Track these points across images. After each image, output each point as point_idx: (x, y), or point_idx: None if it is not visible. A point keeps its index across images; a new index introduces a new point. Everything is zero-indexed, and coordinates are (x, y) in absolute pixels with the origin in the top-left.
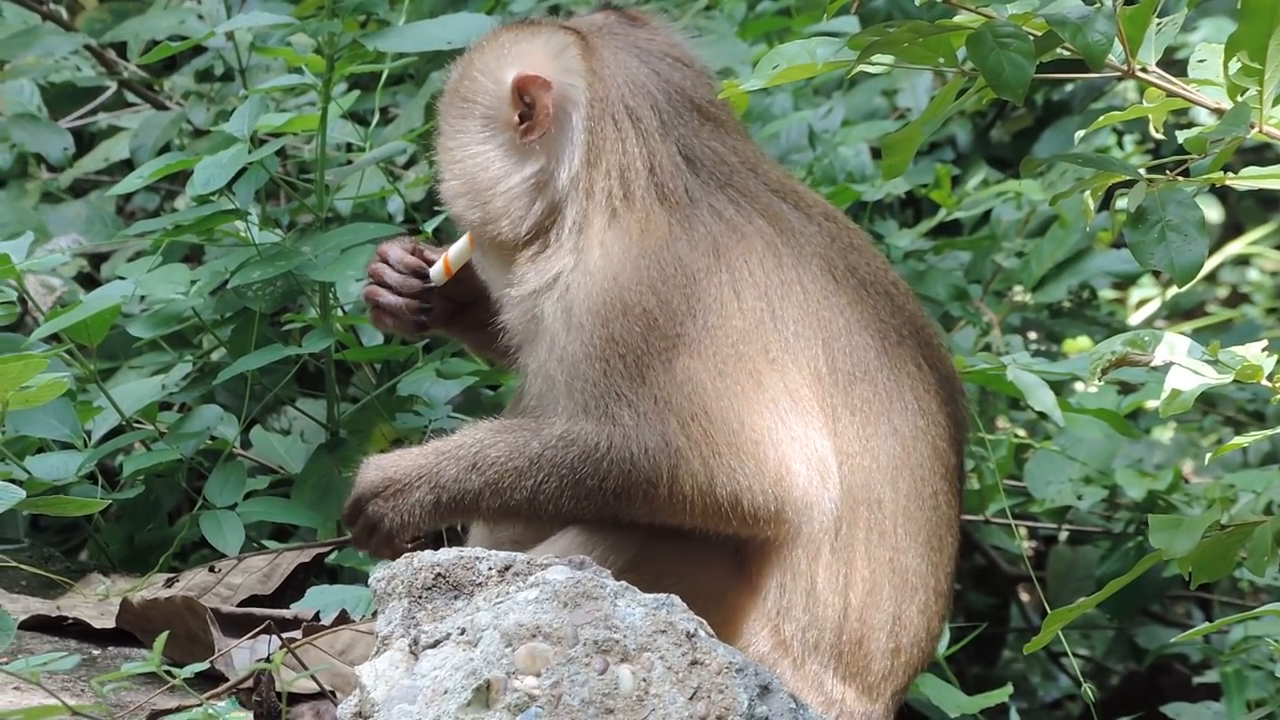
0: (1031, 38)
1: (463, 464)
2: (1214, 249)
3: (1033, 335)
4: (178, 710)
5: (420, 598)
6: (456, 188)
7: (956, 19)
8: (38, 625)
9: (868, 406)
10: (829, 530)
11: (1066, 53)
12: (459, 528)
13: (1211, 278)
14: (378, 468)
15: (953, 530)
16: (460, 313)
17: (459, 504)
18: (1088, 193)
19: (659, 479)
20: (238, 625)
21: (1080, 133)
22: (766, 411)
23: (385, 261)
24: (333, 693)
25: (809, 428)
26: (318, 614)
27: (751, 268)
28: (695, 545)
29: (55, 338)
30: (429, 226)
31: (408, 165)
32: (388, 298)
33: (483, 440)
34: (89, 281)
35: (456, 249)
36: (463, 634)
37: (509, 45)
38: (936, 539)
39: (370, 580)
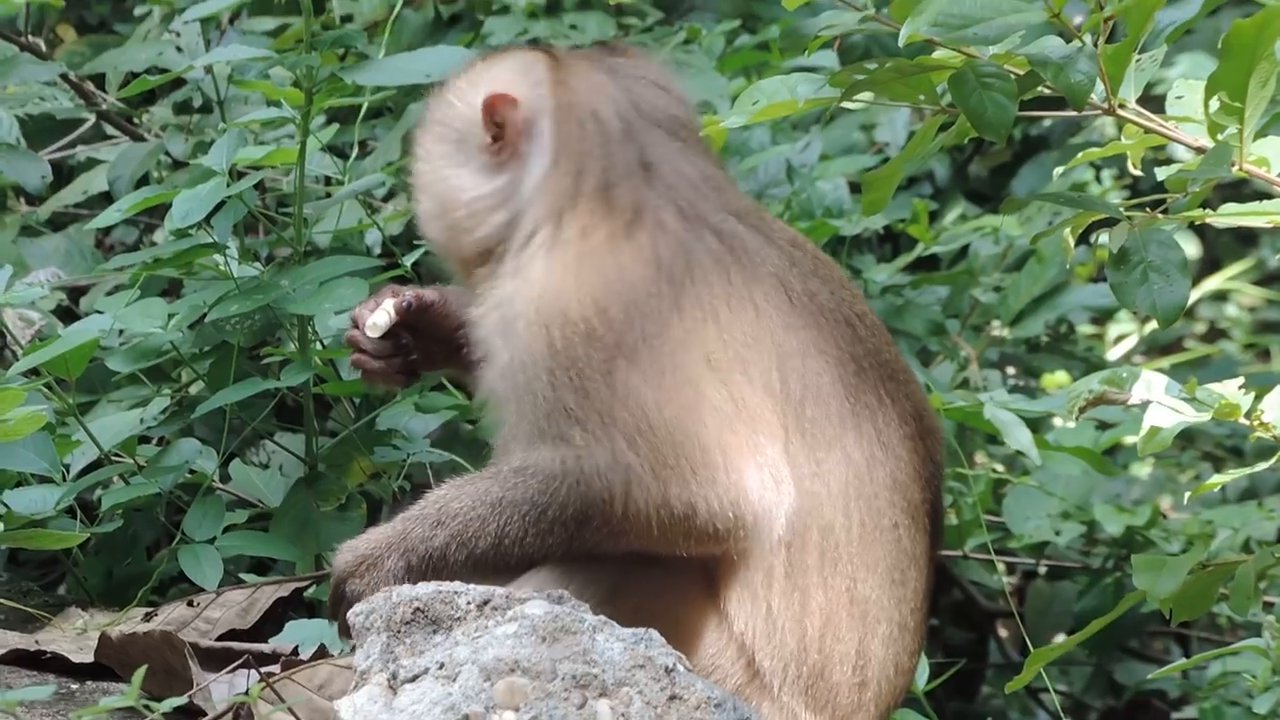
0: (1013, 77)
1: (427, 522)
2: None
3: (1011, 370)
4: None
5: (399, 632)
6: (430, 209)
7: (937, 55)
8: (16, 660)
9: (818, 430)
10: (781, 548)
11: (1047, 90)
12: None
13: (1190, 313)
14: (349, 549)
15: (918, 565)
16: (460, 349)
17: (429, 564)
18: (1067, 230)
19: (613, 498)
20: (216, 660)
21: (1059, 169)
22: (710, 420)
23: (358, 326)
24: None
25: (757, 433)
26: (296, 648)
27: (694, 280)
28: (670, 575)
29: (34, 371)
30: (408, 260)
31: (386, 198)
32: (370, 363)
33: (445, 495)
34: (68, 315)
35: (387, 303)
36: (441, 668)
37: (480, 70)
38: (899, 572)
39: (349, 615)
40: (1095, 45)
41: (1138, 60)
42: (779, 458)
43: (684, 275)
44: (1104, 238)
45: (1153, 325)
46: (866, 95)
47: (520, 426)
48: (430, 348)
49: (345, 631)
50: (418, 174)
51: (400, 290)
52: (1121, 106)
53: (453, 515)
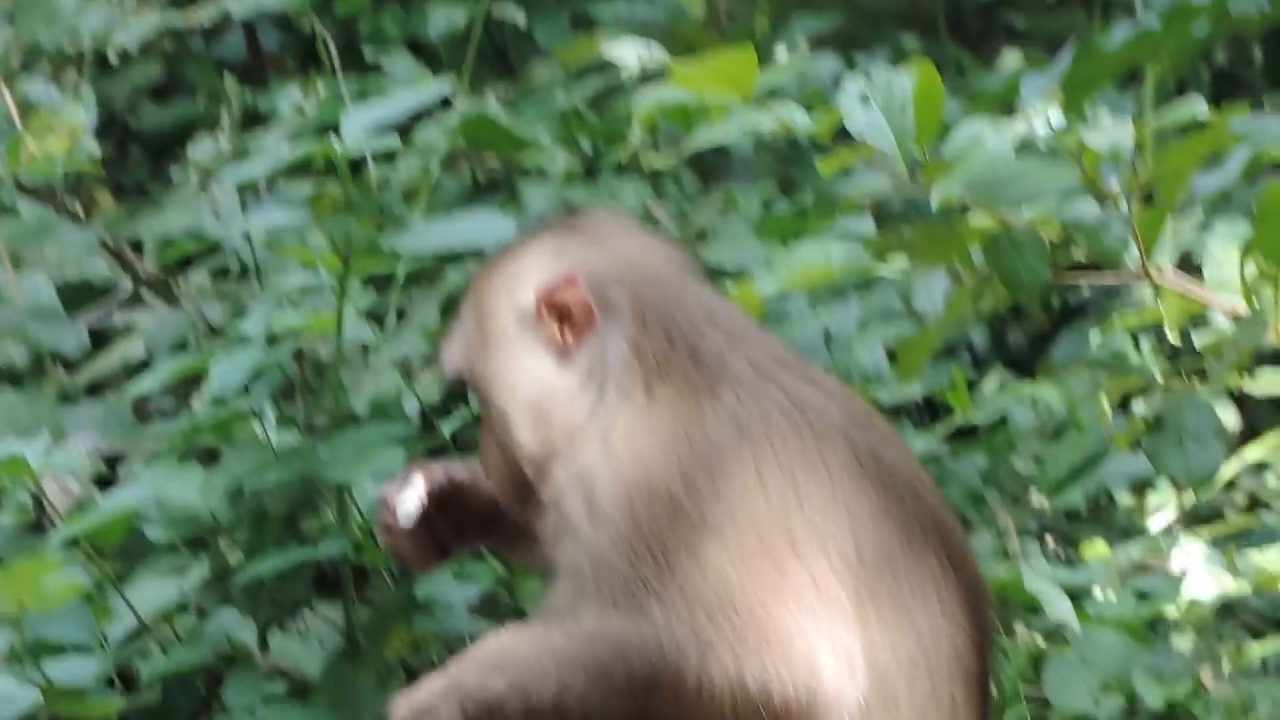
0: (1048, 240)
1: (484, 667)
2: (1230, 454)
3: (1050, 540)
4: None
5: None
6: (524, 423)
7: (972, 217)
8: None
9: (892, 600)
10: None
11: (1082, 256)
12: None
13: (1230, 484)
14: (406, 700)
15: None
16: (495, 524)
17: (484, 710)
18: (1103, 397)
19: (688, 673)
20: None
21: (1097, 337)
22: (792, 602)
23: (389, 508)
24: None
25: (834, 620)
26: None
27: (774, 443)
28: None
29: (73, 540)
30: (447, 428)
31: (424, 365)
32: (401, 545)
33: (504, 642)
34: (105, 482)
35: (417, 483)
36: None
37: (514, 267)
38: None
39: None
40: (1129, 210)
41: (1173, 226)
42: (855, 643)
43: (762, 437)
44: (1141, 405)
45: (1192, 495)
46: (902, 260)
47: (592, 593)
48: (464, 524)
49: None
50: (495, 397)
51: (431, 469)
52: (1158, 271)
53: (513, 662)
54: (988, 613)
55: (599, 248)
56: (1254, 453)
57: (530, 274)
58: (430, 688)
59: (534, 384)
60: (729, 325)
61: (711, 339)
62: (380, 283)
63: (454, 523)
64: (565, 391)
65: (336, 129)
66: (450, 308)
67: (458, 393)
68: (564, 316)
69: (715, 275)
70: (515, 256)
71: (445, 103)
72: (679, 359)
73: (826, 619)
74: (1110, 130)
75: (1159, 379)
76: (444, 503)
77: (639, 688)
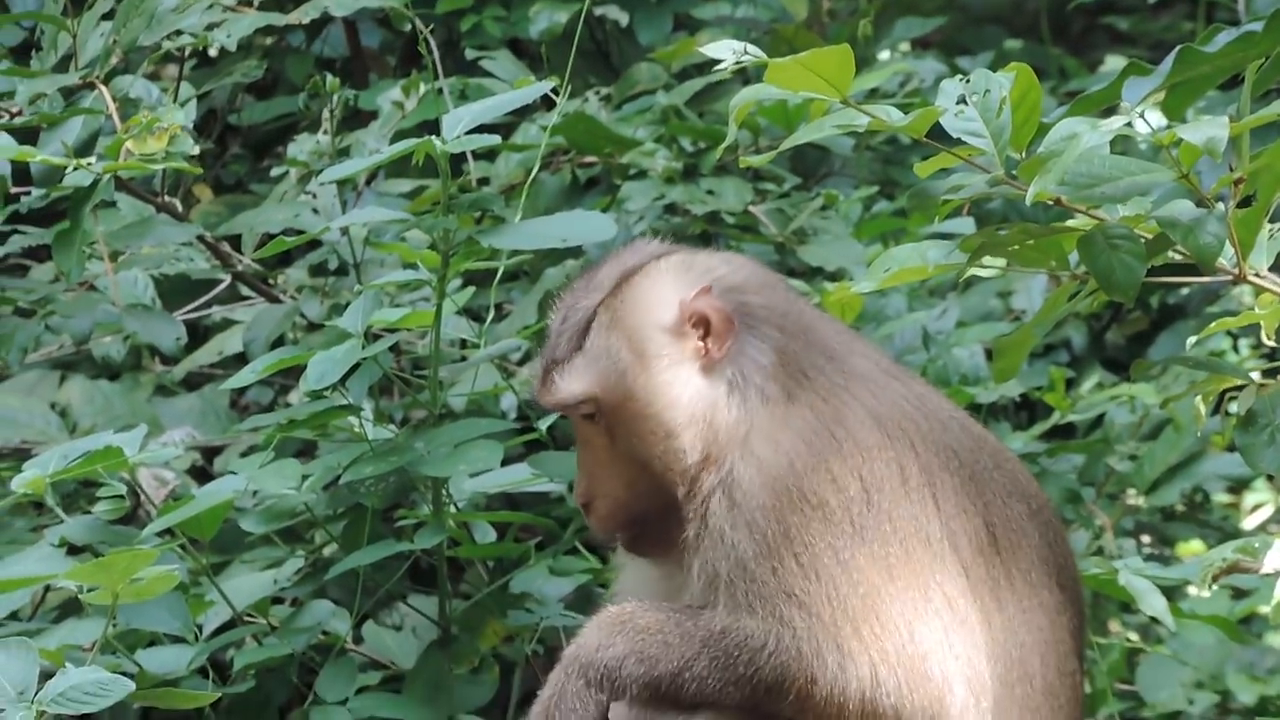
0: (1143, 240)
1: (605, 629)
2: None
3: (1146, 539)
4: None
5: None
6: (690, 437)
7: (1069, 221)
8: None
9: (1025, 577)
10: None
11: (1179, 256)
12: None
13: None
14: (538, 703)
15: (1081, 714)
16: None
17: (605, 677)
18: (1199, 397)
19: (822, 680)
20: None
21: (1193, 338)
22: (934, 622)
23: None
24: None
25: (967, 643)
26: None
27: (913, 441)
28: None
29: (168, 531)
30: (543, 425)
31: (522, 362)
32: None
33: (628, 609)
34: (201, 475)
35: None
36: None
37: (648, 284)
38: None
39: None
40: (1226, 210)
41: (1271, 228)
42: (984, 669)
43: (902, 435)
44: (1235, 405)
45: None
46: (998, 261)
47: (724, 598)
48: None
49: None
50: (647, 413)
51: None
52: (1255, 274)
53: (637, 628)
54: (1081, 592)
55: (722, 263)
56: None
57: (668, 290)
58: (553, 674)
59: (689, 395)
60: (842, 330)
61: (837, 343)
62: (479, 280)
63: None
64: (715, 400)
65: (437, 127)
66: (549, 305)
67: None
68: (705, 328)
69: (814, 274)
70: (647, 275)
71: (546, 101)
72: (816, 363)
73: (961, 641)
74: (1208, 128)
75: (1255, 379)
76: None
77: (763, 685)
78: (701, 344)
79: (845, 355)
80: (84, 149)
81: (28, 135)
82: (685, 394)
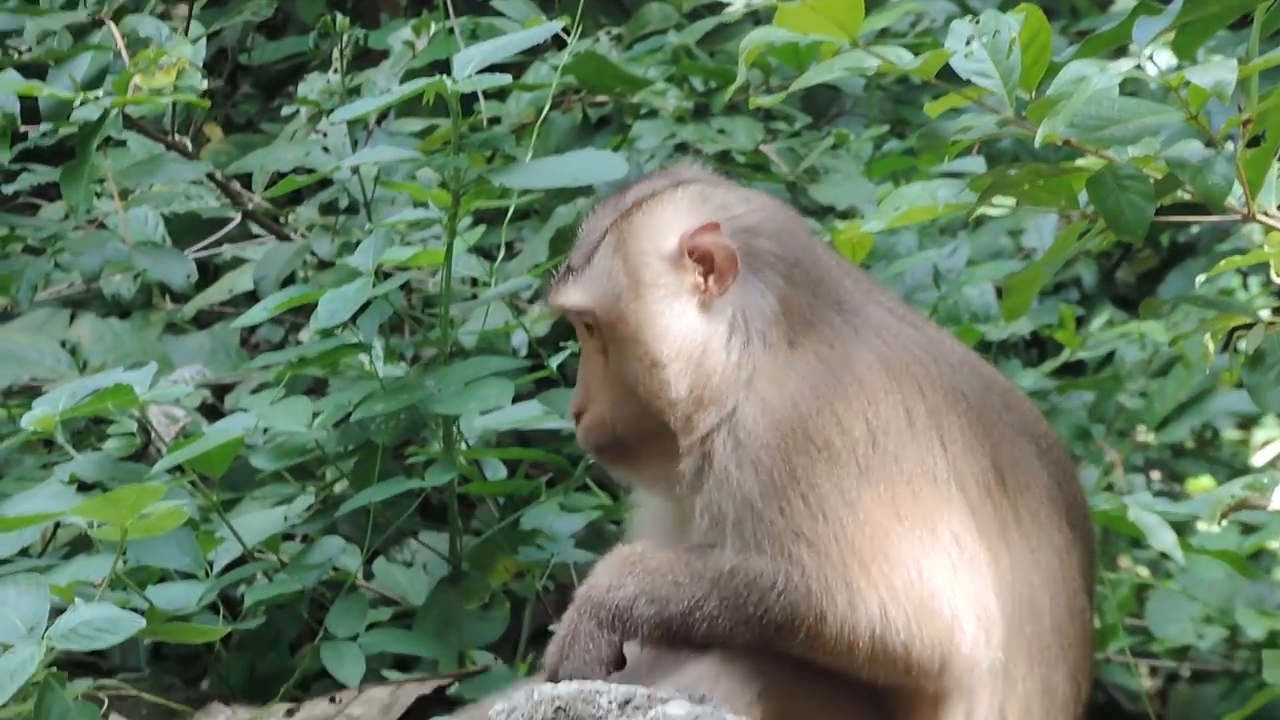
0: (1152, 180)
1: (616, 570)
2: None
3: (1155, 475)
4: None
5: None
6: (671, 370)
7: (1079, 161)
8: None
9: (1034, 517)
10: (991, 676)
11: (1188, 195)
12: None
13: None
14: (554, 642)
15: (1091, 652)
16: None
17: (617, 618)
18: (1207, 334)
19: (832, 618)
20: None
21: (1203, 276)
22: (942, 559)
23: None
24: None
25: (976, 581)
26: None
27: (920, 383)
28: (830, 683)
29: (178, 468)
30: (554, 362)
31: (532, 300)
32: None
33: (637, 549)
34: (212, 413)
35: None
36: None
37: (652, 215)
38: (1083, 659)
39: (491, 713)
40: (1235, 150)
41: (1279, 167)
42: (993, 606)
43: (910, 378)
44: (1244, 343)
45: None
46: (1008, 200)
47: (732, 537)
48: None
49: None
50: (638, 340)
51: None
52: (1263, 213)
53: (647, 569)
54: (1092, 530)
55: (739, 200)
56: None
57: (675, 220)
58: (566, 614)
59: (680, 329)
60: (856, 276)
61: (849, 289)
62: (490, 218)
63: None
64: (711, 339)
65: (448, 66)
66: (559, 244)
67: (566, 329)
68: (708, 264)
69: (824, 213)
70: (659, 202)
71: (557, 41)
72: (823, 309)
73: (969, 579)
74: (1216, 70)
75: (1264, 317)
76: None
77: (772, 624)
78: (701, 280)
79: (857, 306)
80: (92, 85)
81: (36, 74)
82: (676, 326)
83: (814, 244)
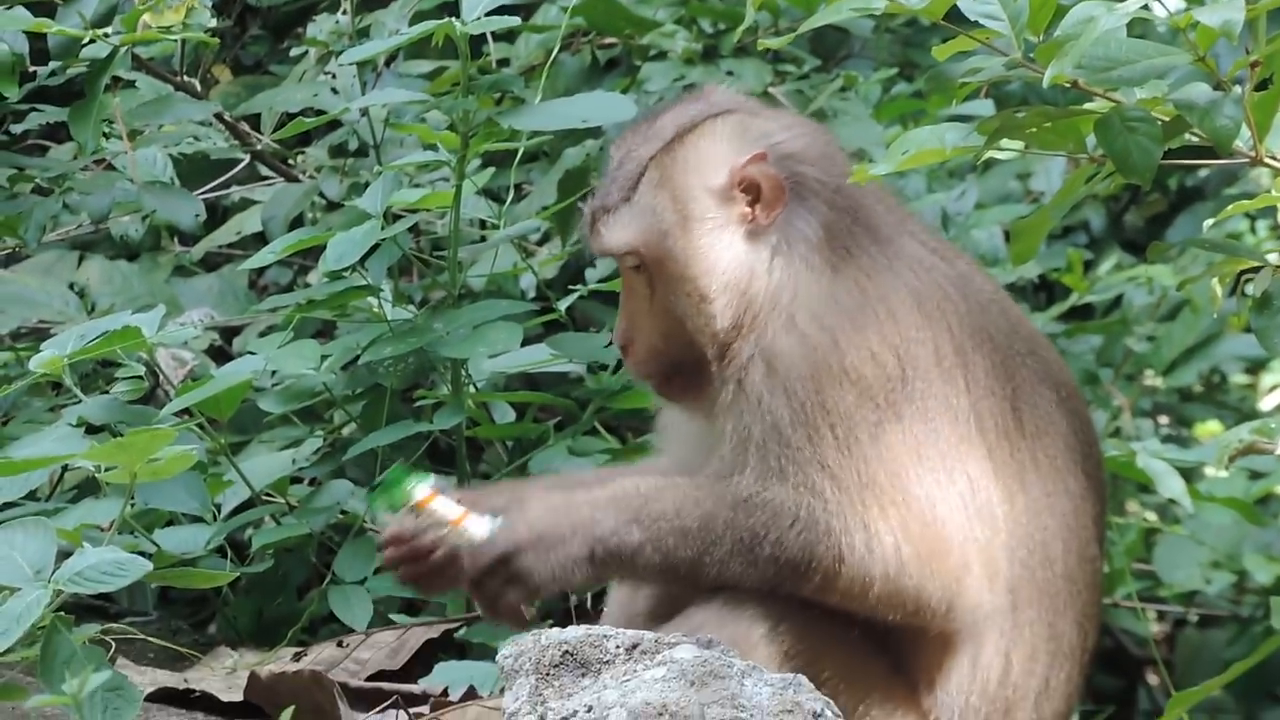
0: (1160, 122)
1: (623, 516)
2: None
3: (1163, 419)
4: None
5: (548, 675)
6: (716, 298)
7: (1087, 105)
8: (165, 698)
9: (1050, 462)
10: (999, 618)
11: (1196, 138)
12: (588, 602)
13: None
14: (523, 522)
15: (1099, 599)
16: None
17: (615, 558)
18: (1215, 278)
19: (845, 559)
20: (365, 700)
21: (1211, 220)
22: (956, 502)
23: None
24: None
25: (988, 525)
26: (445, 690)
27: (949, 320)
28: (835, 623)
29: (186, 411)
30: (562, 305)
31: (541, 242)
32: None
33: (647, 493)
34: (220, 355)
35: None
36: (589, 711)
37: (695, 144)
38: (1091, 606)
39: (498, 657)
40: (1243, 92)
41: None
42: (1000, 550)
43: (940, 315)
44: (1252, 286)
45: None
46: (1016, 143)
47: (756, 460)
48: None
49: (501, 611)
50: (685, 273)
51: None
52: (1271, 156)
53: (655, 517)
54: (1104, 477)
55: (781, 128)
56: None
57: (722, 152)
58: (553, 519)
59: (729, 261)
60: (890, 204)
61: (885, 219)
62: (498, 160)
63: None
64: (755, 266)
65: (457, 8)
66: (568, 186)
67: (575, 273)
68: (755, 194)
69: None
70: (702, 134)
71: None
72: (862, 238)
73: (980, 524)
74: (1223, 10)
75: (1272, 261)
76: None
77: (785, 563)
78: (749, 210)
79: (892, 235)
80: (101, 22)
81: (46, 12)
82: (725, 258)
83: (851, 170)
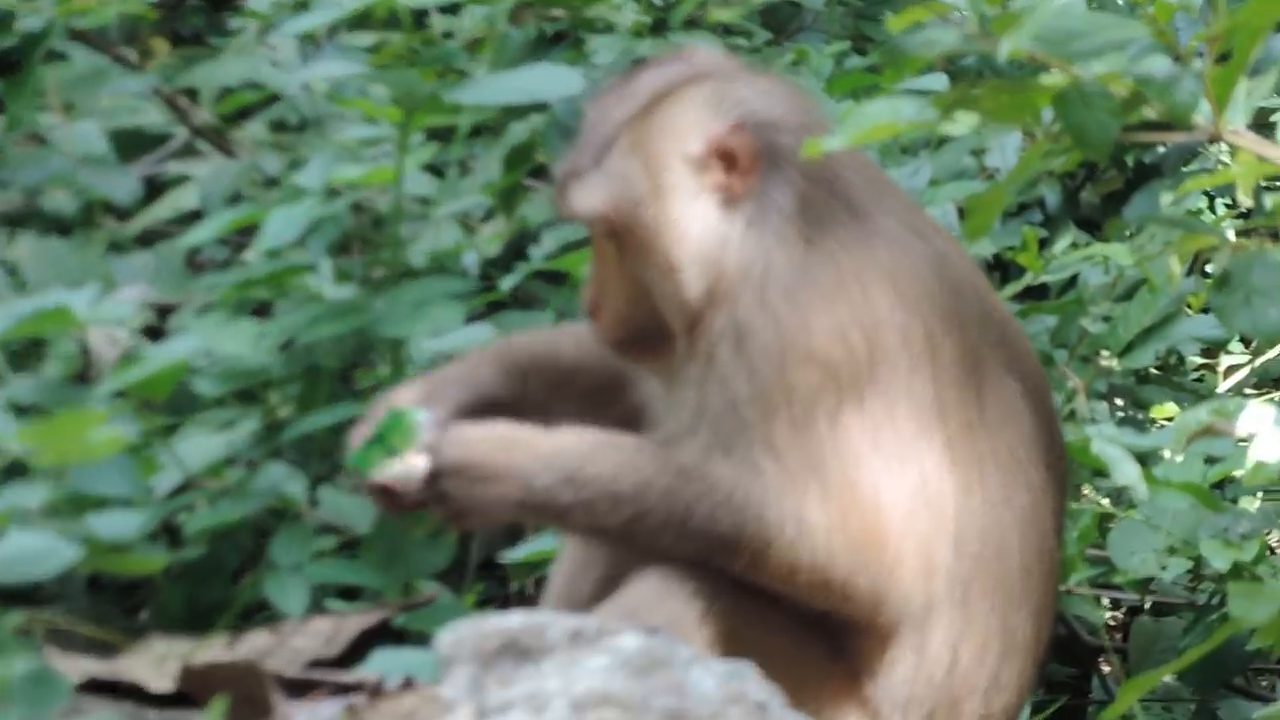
0: (1118, 97)
1: (558, 475)
2: None
3: (1119, 401)
4: None
5: (487, 663)
6: (694, 273)
7: (1044, 79)
8: (94, 687)
9: (1011, 454)
10: (948, 608)
11: (1154, 113)
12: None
13: None
14: (460, 444)
15: (1055, 594)
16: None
17: (543, 511)
18: (1173, 256)
19: (774, 544)
20: (300, 689)
21: (1169, 196)
22: (905, 495)
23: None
24: None
25: (933, 518)
26: (383, 678)
27: (920, 300)
28: (777, 609)
29: (120, 392)
30: (506, 283)
31: (485, 219)
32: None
33: (582, 452)
34: (155, 334)
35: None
36: (531, 701)
37: (669, 111)
38: (1047, 599)
39: (436, 644)
40: (1202, 66)
41: (1248, 86)
42: (944, 547)
43: (910, 296)
44: (1211, 265)
45: (1265, 357)
46: (971, 118)
47: (705, 431)
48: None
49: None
50: (657, 242)
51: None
52: (1231, 131)
53: (589, 480)
54: (1066, 468)
55: (759, 95)
56: None
57: (698, 120)
58: (493, 456)
59: (700, 230)
60: (870, 175)
61: (862, 190)
62: (442, 136)
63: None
64: (728, 236)
65: None
66: (513, 161)
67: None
68: (731, 164)
69: None
70: (678, 101)
71: None
72: (837, 211)
73: (926, 518)
74: None
75: (1231, 238)
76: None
77: (715, 539)
78: (724, 179)
79: (870, 210)
80: None
81: None
82: (696, 228)
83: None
